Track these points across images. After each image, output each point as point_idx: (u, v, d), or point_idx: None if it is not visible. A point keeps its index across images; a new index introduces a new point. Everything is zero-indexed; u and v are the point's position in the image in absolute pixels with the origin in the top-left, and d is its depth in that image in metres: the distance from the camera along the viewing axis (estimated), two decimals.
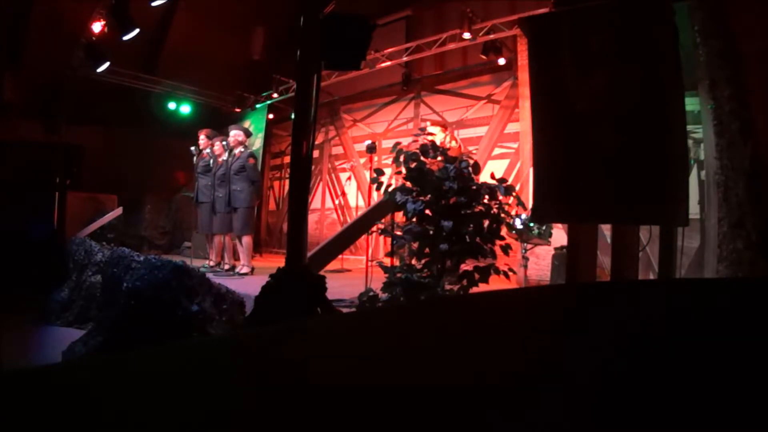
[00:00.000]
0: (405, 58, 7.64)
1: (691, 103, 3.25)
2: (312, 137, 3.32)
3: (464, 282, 3.56)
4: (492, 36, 6.64)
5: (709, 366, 0.70)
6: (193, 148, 6.45)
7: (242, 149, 6.00)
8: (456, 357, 0.78)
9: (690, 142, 3.58)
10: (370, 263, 4.88)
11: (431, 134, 4.23)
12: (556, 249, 4.77)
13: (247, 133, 6.36)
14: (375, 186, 3.98)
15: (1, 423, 0.56)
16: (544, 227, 4.40)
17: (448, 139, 5.04)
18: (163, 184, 9.48)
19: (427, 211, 3.66)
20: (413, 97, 8.53)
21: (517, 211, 4.19)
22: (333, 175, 9.71)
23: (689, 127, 2.86)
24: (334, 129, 9.63)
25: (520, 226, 4.30)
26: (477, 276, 3.54)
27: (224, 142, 6.13)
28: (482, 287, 3.54)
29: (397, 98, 8.74)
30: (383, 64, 7.71)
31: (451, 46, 7.10)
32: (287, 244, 3.33)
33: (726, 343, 0.77)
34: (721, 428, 0.57)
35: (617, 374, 0.69)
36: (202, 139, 6.41)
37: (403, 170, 3.75)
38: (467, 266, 3.66)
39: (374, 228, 4.65)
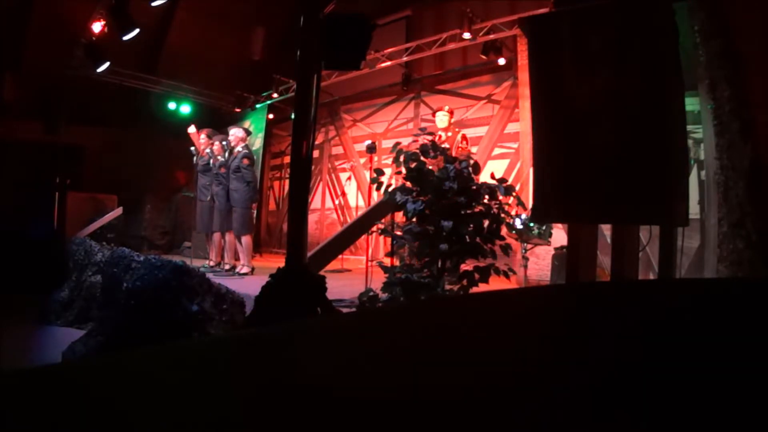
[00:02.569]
0: (405, 58, 7.64)
1: (691, 103, 3.25)
2: (312, 137, 3.32)
3: (464, 282, 3.56)
4: (492, 36, 6.65)
5: (709, 366, 0.70)
6: (193, 148, 6.48)
7: (240, 149, 6.01)
8: (455, 357, 0.78)
9: (690, 142, 3.59)
10: (370, 263, 4.89)
11: (431, 134, 4.21)
12: (556, 249, 4.77)
13: (247, 133, 6.37)
14: (375, 186, 3.98)
15: (1, 423, 0.56)
16: (544, 227, 4.40)
17: (459, 138, 5.03)
18: (163, 184, 9.48)
19: (427, 211, 3.66)
20: (413, 97, 8.53)
21: (517, 211, 4.19)
22: (333, 175, 9.71)
23: (689, 127, 2.86)
24: (334, 129, 9.63)
25: (520, 226, 4.30)
26: (477, 276, 3.54)
27: (224, 142, 6.15)
28: (482, 287, 3.54)
29: (397, 98, 8.74)
30: (383, 64, 7.71)
31: (451, 46, 7.10)
32: (287, 244, 3.33)
33: (726, 343, 0.77)
34: (721, 429, 0.57)
35: (617, 374, 0.69)
36: (203, 138, 6.43)
37: (403, 170, 3.75)
38: (467, 266, 3.66)
39: (374, 228, 4.65)
